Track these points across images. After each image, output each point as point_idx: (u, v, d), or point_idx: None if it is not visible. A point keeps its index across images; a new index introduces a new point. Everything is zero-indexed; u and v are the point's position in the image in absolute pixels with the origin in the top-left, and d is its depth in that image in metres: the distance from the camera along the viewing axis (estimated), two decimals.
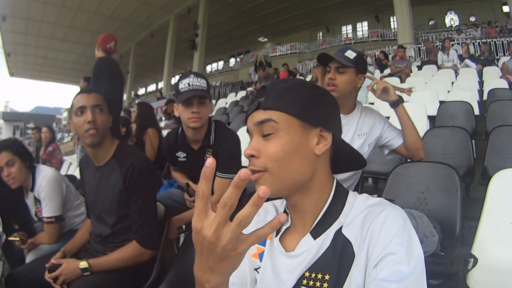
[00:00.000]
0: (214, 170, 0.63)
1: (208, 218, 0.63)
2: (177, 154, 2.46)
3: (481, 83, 7.22)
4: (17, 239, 2.27)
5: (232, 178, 2.07)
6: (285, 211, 0.99)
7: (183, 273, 1.80)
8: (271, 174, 0.86)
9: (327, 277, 0.83)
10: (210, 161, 0.61)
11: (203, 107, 2.20)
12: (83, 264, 1.80)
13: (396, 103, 2.14)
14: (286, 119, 0.87)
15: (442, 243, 1.82)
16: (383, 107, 5.44)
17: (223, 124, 2.46)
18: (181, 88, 2.17)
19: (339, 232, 0.86)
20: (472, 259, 1.66)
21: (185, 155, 2.42)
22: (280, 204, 1.04)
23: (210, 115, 2.35)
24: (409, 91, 5.89)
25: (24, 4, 19.99)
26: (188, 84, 2.15)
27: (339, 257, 0.83)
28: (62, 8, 20.84)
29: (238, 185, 0.61)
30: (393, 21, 20.26)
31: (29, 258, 2.27)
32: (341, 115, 2.18)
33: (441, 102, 5.41)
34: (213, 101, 13.12)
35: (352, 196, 0.93)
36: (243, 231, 0.64)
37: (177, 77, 34.29)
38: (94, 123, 1.82)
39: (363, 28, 25.69)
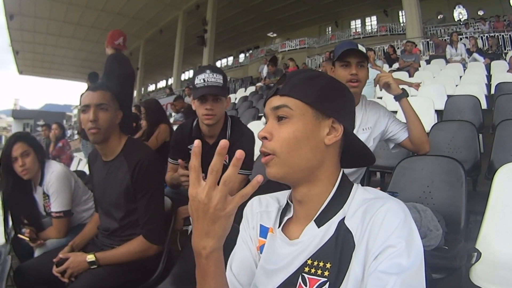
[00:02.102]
0: (201, 150, 0.77)
1: (201, 186, 0.76)
2: (189, 147, 2.39)
3: (489, 77, 7.15)
4: (27, 238, 2.30)
5: (244, 175, 2.06)
6: (287, 203, 1.01)
7: (189, 267, 1.82)
8: (279, 158, 0.89)
9: (328, 265, 0.84)
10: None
11: (218, 103, 2.16)
12: (90, 257, 1.83)
13: (399, 97, 2.13)
14: (301, 107, 0.90)
15: (446, 237, 1.81)
16: (390, 102, 5.42)
17: (239, 120, 2.42)
18: (197, 84, 2.13)
19: (342, 222, 0.87)
20: (475, 254, 1.66)
21: None
22: (282, 196, 1.06)
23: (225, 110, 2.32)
24: (417, 85, 5.91)
25: (31, 1, 20.15)
26: (204, 80, 2.11)
27: (341, 246, 0.84)
28: (69, 5, 20.98)
29: (221, 153, 0.74)
30: (402, 15, 20.16)
31: (37, 252, 2.30)
32: None
33: (449, 96, 5.37)
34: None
35: (356, 187, 0.94)
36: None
37: (187, 73, 34.14)
38: (96, 122, 1.85)
39: (371, 22, 25.61)
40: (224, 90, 2.19)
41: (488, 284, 1.48)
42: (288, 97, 0.91)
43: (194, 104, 2.21)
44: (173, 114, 9.22)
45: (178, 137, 2.46)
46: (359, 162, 1.07)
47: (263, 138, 0.92)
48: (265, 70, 12.20)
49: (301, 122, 0.90)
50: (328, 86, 0.94)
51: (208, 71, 2.14)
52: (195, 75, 2.19)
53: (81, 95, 1.93)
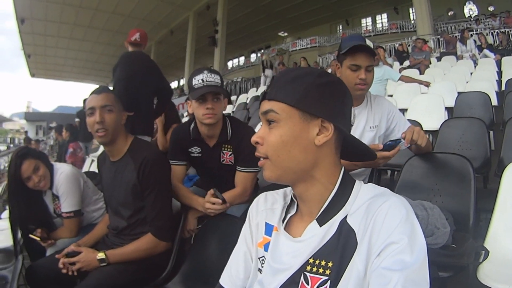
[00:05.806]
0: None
1: None
2: (190, 150, 2.36)
3: (499, 73, 7.05)
4: (38, 238, 2.34)
5: (253, 172, 2.06)
6: (292, 200, 1.02)
7: (198, 264, 1.83)
8: (271, 161, 0.92)
9: (330, 264, 0.85)
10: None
11: (218, 103, 2.15)
12: (100, 255, 1.87)
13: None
14: (286, 110, 0.90)
15: (454, 235, 1.78)
16: (401, 100, 5.40)
17: (238, 120, 2.41)
18: (195, 85, 2.11)
19: (344, 220, 0.87)
20: (483, 252, 1.64)
21: (200, 150, 2.34)
22: (290, 191, 1.06)
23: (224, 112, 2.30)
24: (427, 84, 5.93)
25: (42, 5, 20.39)
26: (202, 80, 2.09)
27: (343, 245, 0.84)
28: (80, 8, 21.16)
29: None
30: (412, 12, 19.99)
31: (49, 252, 2.35)
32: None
33: (459, 93, 5.32)
34: (234, 97, 13.22)
35: (358, 185, 0.94)
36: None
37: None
38: (103, 123, 1.89)
39: (382, 20, 25.52)
40: (222, 89, 2.20)
41: (496, 283, 1.46)
42: (275, 101, 0.91)
43: (191, 107, 2.19)
44: (184, 114, 9.23)
45: (177, 139, 2.41)
46: (361, 157, 1.06)
47: (256, 143, 0.95)
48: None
49: (287, 125, 0.90)
50: (313, 85, 0.91)
51: (205, 72, 2.14)
52: (191, 76, 2.17)
53: (84, 100, 1.96)
